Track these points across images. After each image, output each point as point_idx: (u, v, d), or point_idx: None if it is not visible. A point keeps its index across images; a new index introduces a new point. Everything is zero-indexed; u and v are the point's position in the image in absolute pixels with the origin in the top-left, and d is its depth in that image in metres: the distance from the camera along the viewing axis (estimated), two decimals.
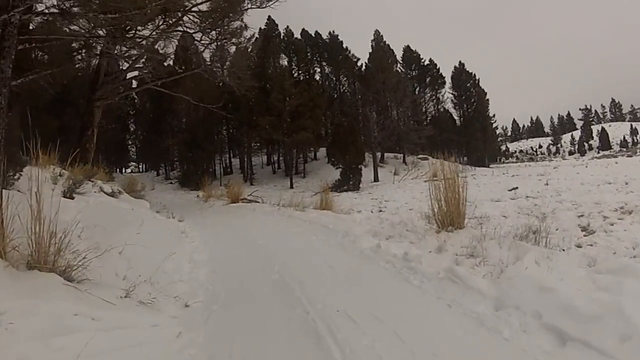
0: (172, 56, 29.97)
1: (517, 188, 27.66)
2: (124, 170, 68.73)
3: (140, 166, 76.39)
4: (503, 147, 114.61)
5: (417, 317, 5.05)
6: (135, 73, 26.54)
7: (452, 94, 76.79)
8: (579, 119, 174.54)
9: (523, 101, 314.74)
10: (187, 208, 23.83)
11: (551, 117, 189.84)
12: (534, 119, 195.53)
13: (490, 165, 68.56)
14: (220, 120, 53.33)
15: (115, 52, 23.47)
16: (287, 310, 5.60)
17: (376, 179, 46.89)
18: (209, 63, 26.61)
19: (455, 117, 76.16)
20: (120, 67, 26.10)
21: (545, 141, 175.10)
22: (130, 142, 69.55)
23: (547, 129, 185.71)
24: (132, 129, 67.96)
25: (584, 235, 12.74)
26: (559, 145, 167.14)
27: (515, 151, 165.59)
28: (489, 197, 23.64)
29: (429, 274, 6.42)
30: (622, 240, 11.47)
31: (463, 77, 76.77)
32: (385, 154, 58.14)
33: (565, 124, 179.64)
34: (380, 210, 22.48)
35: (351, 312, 5.22)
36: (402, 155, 59.71)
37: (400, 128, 56.08)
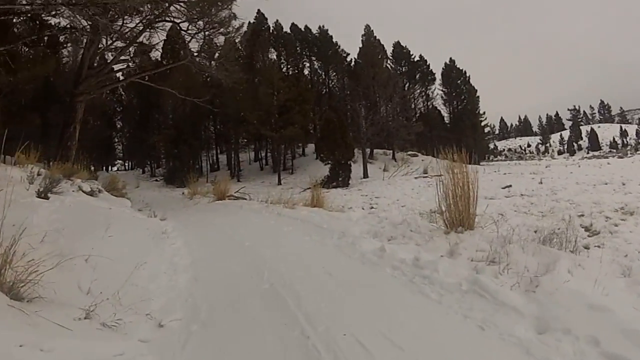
0: (160, 50, 28.88)
1: (510, 186, 26.96)
2: (110, 169, 69.02)
3: (127, 164, 75.79)
4: (491, 146, 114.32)
5: (444, 343, 4.11)
6: (121, 66, 25.63)
7: (442, 90, 76.21)
8: (567, 119, 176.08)
9: (511, 100, 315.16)
10: (171, 206, 22.82)
11: (539, 117, 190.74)
12: (522, 118, 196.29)
13: (481, 163, 67.89)
14: (207, 116, 52.96)
15: (100, 44, 23.00)
16: (282, 332, 4.62)
17: (365, 175, 46.06)
18: (196, 54, 25.61)
19: (445, 114, 75.71)
20: (106, 60, 25.11)
21: (534, 140, 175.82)
22: (116, 140, 68.86)
23: (535, 129, 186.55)
24: (119, 126, 67.38)
25: (588, 236, 12.02)
26: (547, 144, 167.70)
27: (504, 149, 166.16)
28: (482, 195, 22.02)
29: (448, 285, 5.50)
30: (630, 242, 10.81)
31: (453, 74, 76.16)
32: (375, 150, 57.51)
33: (553, 124, 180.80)
34: (372, 207, 21.81)
35: (361, 335, 4.27)
36: (391, 151, 59.09)
37: (390, 124, 55.14)
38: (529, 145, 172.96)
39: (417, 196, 25.18)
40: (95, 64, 23.64)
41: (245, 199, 22.58)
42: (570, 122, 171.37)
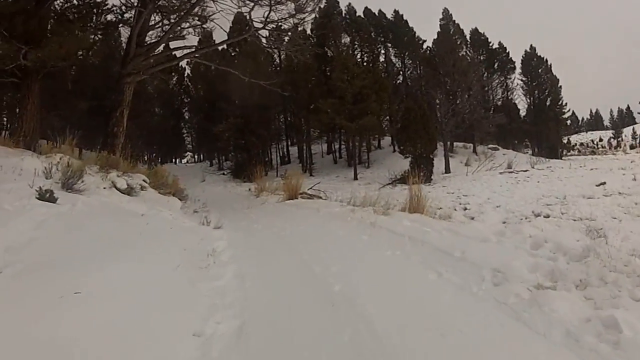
0: (217, 24, 26.22)
1: (604, 183, 24.14)
2: (180, 161, 70.79)
3: (197, 156, 75.08)
4: (565, 140, 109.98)
5: None
6: (178, 44, 23.07)
7: (521, 80, 72.17)
8: (638, 113, 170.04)
9: (581, 92, 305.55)
10: (233, 206, 19.79)
11: (610, 110, 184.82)
12: (593, 111, 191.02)
13: (563, 158, 63.90)
14: (277, 104, 50.55)
15: (151, 20, 20.98)
16: None
17: (447, 170, 42.60)
18: (261, 25, 22.57)
19: (523, 105, 72.36)
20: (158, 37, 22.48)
21: (605, 134, 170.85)
22: (185, 132, 68.54)
23: (606, 122, 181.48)
24: (187, 117, 66.78)
25: None
26: (619, 138, 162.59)
27: (576, 144, 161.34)
28: (579, 193, 20.70)
29: None
30: None
31: (534, 62, 72.03)
32: (454, 143, 53.96)
33: (624, 117, 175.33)
34: (466, 209, 19.03)
35: None
36: (471, 144, 55.55)
37: (471, 115, 51.44)
38: (601, 140, 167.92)
39: (509, 194, 22.74)
40: (146, 42, 21.04)
41: (321, 197, 19.56)
42: None
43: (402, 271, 6.44)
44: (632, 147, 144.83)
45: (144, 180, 14.30)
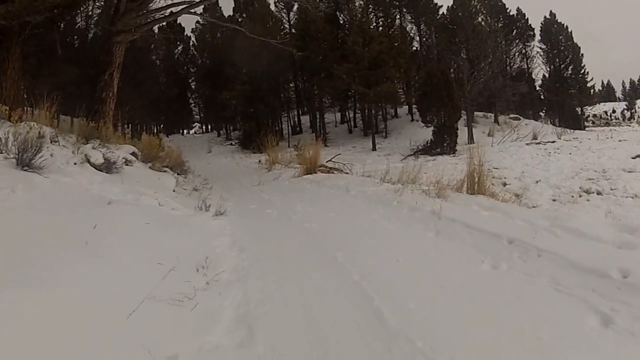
0: None
1: None
2: (188, 132, 71.14)
3: (204, 127, 74.45)
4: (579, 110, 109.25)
5: None
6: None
7: (540, 48, 70.49)
8: None
9: (594, 63, 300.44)
10: (241, 182, 17.22)
11: (622, 82, 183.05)
12: (605, 83, 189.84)
13: (586, 129, 62.09)
14: (286, 71, 49.68)
15: None
16: None
17: (471, 141, 40.21)
18: None
19: (541, 75, 71.11)
20: None
21: (618, 106, 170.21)
22: (192, 102, 68.06)
23: (618, 94, 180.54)
24: (194, 87, 66.37)
25: None
26: (632, 110, 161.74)
27: (589, 115, 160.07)
28: (618, 166, 20.04)
29: None
30: None
31: (554, 29, 70.29)
32: (474, 113, 51.14)
33: (637, 89, 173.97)
34: (505, 184, 18.13)
35: None
36: (492, 114, 54.08)
37: (493, 83, 49.51)
38: (614, 111, 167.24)
39: (543, 167, 22.10)
40: None
41: (344, 171, 17.18)
42: None
43: (532, 310, 3.58)
44: None
45: (132, 153, 12.20)
